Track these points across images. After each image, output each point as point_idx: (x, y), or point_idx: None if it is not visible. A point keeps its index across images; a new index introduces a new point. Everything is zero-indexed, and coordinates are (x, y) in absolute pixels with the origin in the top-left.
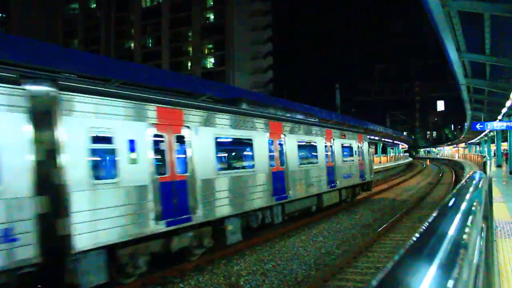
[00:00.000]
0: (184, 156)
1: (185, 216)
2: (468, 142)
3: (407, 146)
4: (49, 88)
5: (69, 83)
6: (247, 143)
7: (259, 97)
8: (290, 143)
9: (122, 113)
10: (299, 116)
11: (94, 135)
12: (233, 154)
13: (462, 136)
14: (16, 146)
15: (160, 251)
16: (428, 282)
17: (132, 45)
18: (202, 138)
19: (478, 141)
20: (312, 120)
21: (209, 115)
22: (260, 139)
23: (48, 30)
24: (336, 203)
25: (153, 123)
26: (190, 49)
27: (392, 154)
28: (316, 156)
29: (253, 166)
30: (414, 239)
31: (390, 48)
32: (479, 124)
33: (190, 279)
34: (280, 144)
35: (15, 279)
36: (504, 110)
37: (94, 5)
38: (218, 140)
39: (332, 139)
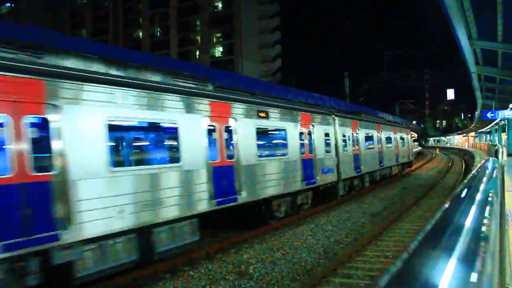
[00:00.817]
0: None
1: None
2: (479, 131)
3: (416, 135)
4: None
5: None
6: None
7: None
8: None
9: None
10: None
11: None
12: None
13: (472, 125)
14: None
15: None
16: (450, 275)
17: (141, 34)
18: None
19: (488, 130)
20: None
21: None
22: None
23: (56, 20)
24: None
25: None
26: (198, 38)
27: None
28: (388, 141)
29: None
30: (429, 229)
31: (400, 36)
32: (490, 112)
33: (200, 267)
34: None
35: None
36: None
37: None
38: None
39: (395, 133)
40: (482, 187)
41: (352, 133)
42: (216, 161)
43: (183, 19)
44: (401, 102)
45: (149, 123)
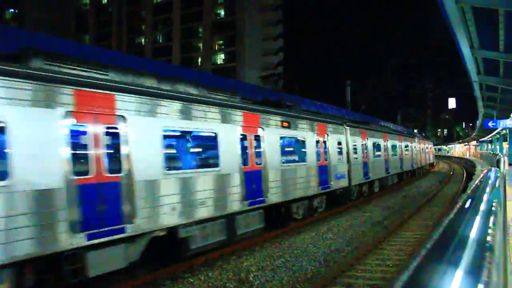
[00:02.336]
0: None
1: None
2: (480, 140)
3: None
4: None
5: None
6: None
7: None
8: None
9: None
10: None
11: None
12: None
13: (474, 134)
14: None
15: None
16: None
17: (143, 40)
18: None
19: (490, 139)
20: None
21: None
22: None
23: (60, 25)
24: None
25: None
26: (201, 45)
27: None
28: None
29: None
30: (435, 240)
31: (403, 45)
32: (491, 122)
33: (200, 274)
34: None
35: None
36: None
37: (106, 0)
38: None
39: (412, 144)
40: (485, 197)
41: (362, 142)
42: (247, 166)
43: (185, 26)
44: (403, 110)
45: (194, 132)
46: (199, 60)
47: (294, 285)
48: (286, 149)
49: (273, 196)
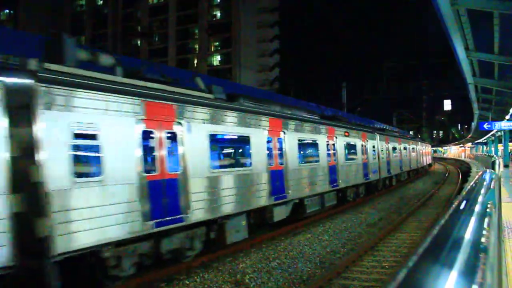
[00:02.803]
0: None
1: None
2: (475, 142)
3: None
4: None
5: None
6: (354, 146)
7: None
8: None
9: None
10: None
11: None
12: (353, 152)
13: (469, 135)
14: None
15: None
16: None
17: (139, 41)
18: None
19: (485, 141)
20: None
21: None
22: (358, 144)
23: (55, 26)
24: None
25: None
26: (197, 46)
27: None
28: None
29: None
30: (430, 241)
31: (398, 47)
32: (486, 123)
33: (196, 276)
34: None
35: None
36: None
37: (101, 1)
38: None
39: (417, 146)
40: (480, 198)
41: (385, 145)
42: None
43: (181, 27)
44: (399, 112)
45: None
46: (195, 61)
47: (290, 287)
48: (352, 151)
49: (343, 183)
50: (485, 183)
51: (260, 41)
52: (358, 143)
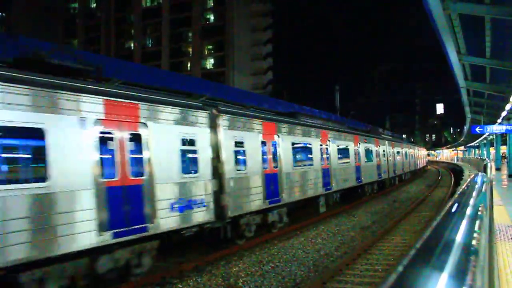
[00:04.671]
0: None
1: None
2: (468, 145)
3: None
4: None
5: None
6: (370, 151)
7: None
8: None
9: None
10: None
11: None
12: (376, 155)
13: (462, 139)
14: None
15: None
16: None
17: (132, 45)
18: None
19: (477, 144)
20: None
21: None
22: (375, 149)
23: (48, 29)
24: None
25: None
26: (190, 49)
27: None
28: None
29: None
30: (421, 244)
31: (391, 51)
32: (478, 127)
33: (189, 279)
34: (378, 150)
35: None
36: (503, 114)
37: (94, 4)
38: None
39: (417, 151)
40: (472, 201)
41: (392, 150)
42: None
43: (175, 31)
44: (392, 116)
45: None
46: (189, 65)
47: None
48: (368, 155)
49: (364, 179)
50: (477, 186)
51: (254, 44)
52: (373, 148)
